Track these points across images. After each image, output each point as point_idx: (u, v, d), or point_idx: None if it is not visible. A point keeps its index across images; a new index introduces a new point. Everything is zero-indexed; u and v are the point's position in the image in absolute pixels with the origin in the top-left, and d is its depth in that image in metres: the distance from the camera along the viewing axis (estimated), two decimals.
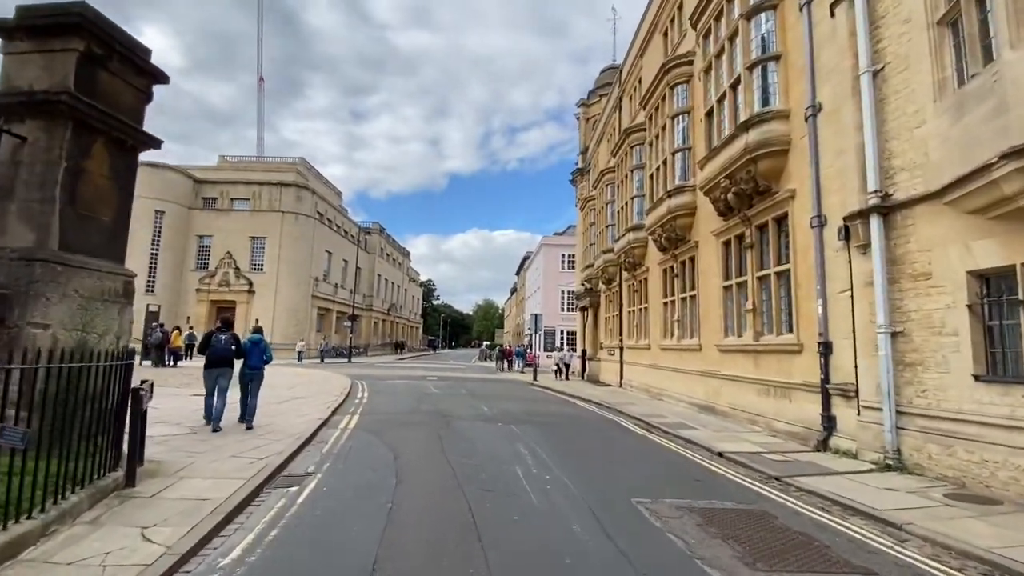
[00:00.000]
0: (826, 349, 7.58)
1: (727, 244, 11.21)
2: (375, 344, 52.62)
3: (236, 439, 7.14)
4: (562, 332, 41.60)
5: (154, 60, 6.09)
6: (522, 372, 29.38)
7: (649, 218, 15.05)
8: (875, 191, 6.67)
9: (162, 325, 20.38)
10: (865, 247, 6.86)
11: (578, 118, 31.95)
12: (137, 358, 21.70)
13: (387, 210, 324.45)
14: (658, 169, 14.60)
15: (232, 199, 39.20)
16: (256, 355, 8.24)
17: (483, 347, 58.79)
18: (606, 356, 22.64)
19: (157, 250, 35.85)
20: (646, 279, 16.95)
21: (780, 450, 7.59)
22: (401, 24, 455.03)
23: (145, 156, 6.90)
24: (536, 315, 22.26)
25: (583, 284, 26.40)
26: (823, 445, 7.49)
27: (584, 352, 26.19)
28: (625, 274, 19.21)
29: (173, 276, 36.62)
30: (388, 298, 60.29)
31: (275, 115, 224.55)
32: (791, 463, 6.80)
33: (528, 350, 34.46)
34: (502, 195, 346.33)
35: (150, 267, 35.52)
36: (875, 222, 6.64)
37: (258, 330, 8.91)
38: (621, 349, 19.64)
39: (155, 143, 6.31)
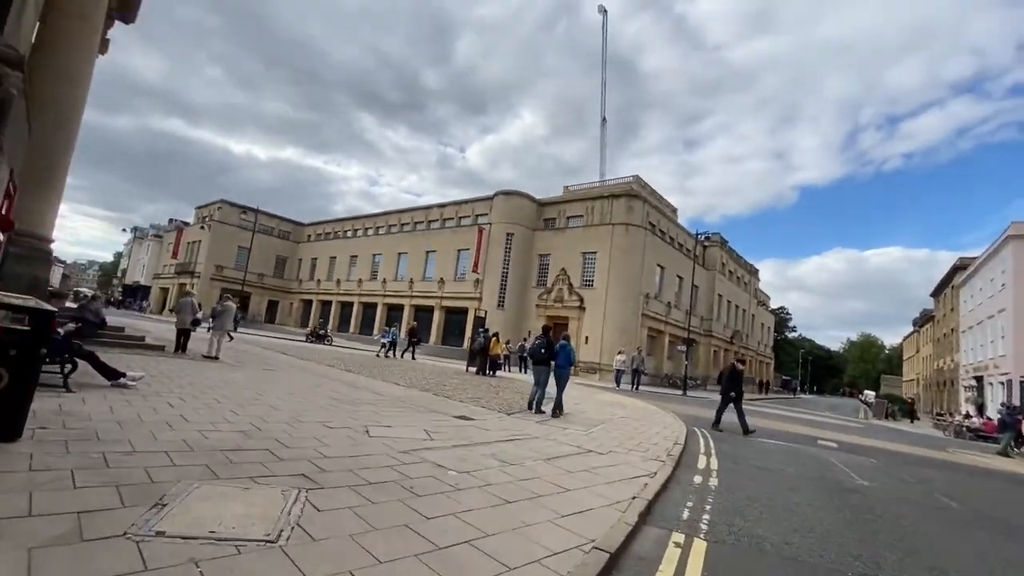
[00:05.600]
0: None
1: None
2: (715, 378, 43.85)
3: None
4: None
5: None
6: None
7: None
8: None
9: (487, 331, 19.30)
10: None
11: None
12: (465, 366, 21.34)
13: (723, 234, 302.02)
14: None
15: (568, 217, 39.62)
16: (563, 356, 9.76)
17: (875, 399, 41.01)
18: None
19: (507, 269, 39.08)
20: None
21: None
22: (736, 39, 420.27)
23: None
24: None
25: None
26: None
27: None
28: None
29: (519, 293, 39.10)
30: (731, 323, 50.47)
31: (613, 157, 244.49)
32: None
33: None
34: (876, 205, 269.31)
35: (501, 284, 38.96)
36: None
37: (566, 337, 10.24)
38: None
39: None
